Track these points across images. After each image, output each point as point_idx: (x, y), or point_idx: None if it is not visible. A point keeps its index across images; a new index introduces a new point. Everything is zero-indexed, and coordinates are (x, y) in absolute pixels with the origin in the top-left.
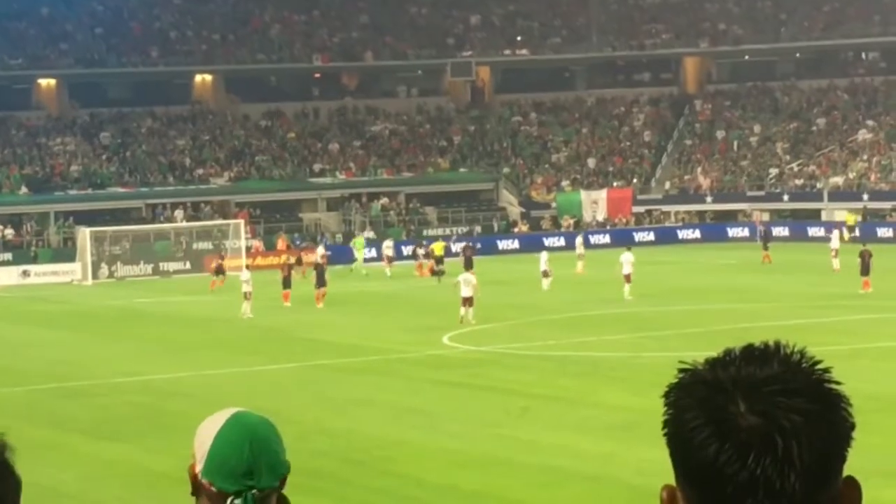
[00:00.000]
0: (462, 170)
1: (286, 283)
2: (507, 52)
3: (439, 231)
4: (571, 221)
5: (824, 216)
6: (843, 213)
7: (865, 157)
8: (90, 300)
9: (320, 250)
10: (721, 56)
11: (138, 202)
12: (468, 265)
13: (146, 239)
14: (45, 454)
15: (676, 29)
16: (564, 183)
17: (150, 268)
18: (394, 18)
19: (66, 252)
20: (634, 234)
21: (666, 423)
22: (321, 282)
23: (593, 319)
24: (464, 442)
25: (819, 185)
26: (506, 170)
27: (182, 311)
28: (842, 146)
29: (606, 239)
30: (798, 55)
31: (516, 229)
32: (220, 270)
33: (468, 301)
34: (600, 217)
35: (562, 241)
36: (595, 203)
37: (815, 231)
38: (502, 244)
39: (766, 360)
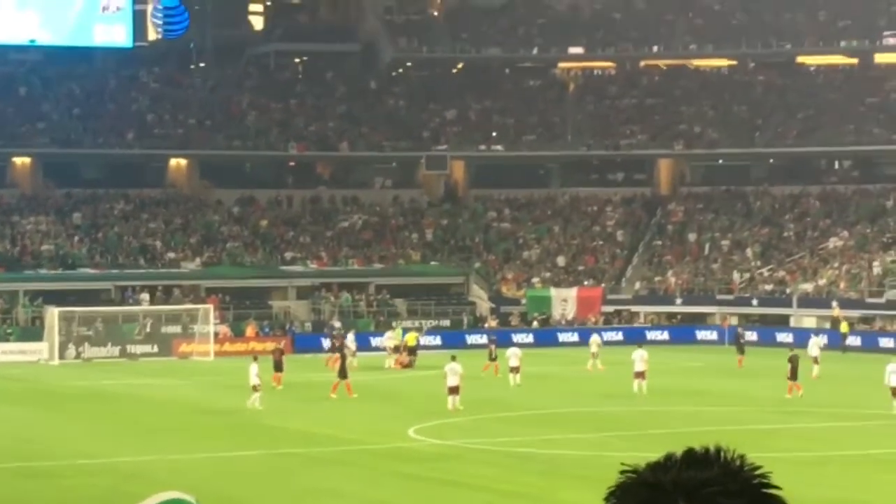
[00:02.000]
0: (433, 263)
1: (278, 366)
2: (482, 147)
3: (408, 323)
4: (539, 319)
5: (793, 322)
6: (811, 320)
7: (836, 264)
8: (57, 380)
9: (350, 338)
10: (695, 159)
11: (108, 284)
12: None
13: (115, 321)
14: None
15: (651, 130)
16: (535, 280)
17: (117, 350)
18: (370, 110)
19: (34, 331)
20: (602, 333)
21: None
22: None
23: (560, 417)
24: None
25: (788, 291)
26: (477, 264)
27: (148, 395)
28: (812, 253)
29: (574, 337)
30: (772, 161)
31: (486, 325)
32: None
33: (455, 390)
34: (570, 315)
35: (530, 338)
36: (565, 301)
37: (783, 336)
38: (471, 339)
39: (706, 463)
